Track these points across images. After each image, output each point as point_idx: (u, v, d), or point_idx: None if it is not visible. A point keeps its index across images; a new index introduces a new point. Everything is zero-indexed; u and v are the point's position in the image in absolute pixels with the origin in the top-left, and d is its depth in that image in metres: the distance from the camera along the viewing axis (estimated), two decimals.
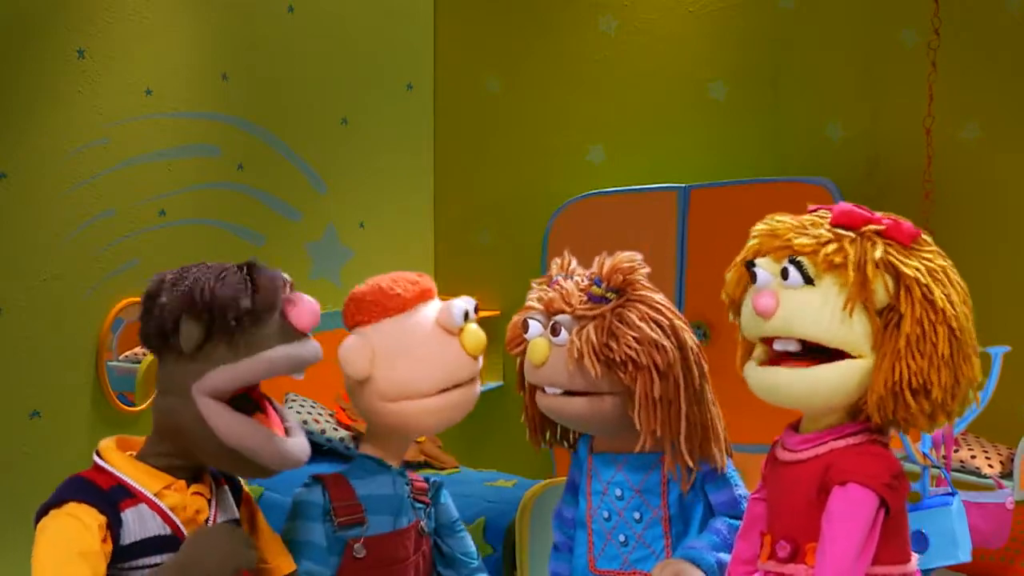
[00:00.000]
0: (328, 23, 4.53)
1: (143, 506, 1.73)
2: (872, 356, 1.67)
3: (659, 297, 2.04)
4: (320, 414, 4.02)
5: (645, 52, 4.69)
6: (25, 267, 3.38)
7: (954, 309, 1.66)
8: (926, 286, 1.65)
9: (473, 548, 2.22)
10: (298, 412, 3.96)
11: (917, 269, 1.66)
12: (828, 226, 1.72)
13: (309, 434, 3.90)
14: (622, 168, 4.70)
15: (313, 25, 4.45)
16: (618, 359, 1.94)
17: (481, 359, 2.07)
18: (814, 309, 1.68)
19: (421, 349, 1.97)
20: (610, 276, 2.01)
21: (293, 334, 1.77)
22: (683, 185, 4.24)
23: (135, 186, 3.70)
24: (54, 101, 3.43)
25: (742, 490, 2.07)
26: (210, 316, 1.71)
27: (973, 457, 3.55)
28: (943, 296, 1.65)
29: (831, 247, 1.68)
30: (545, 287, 2.10)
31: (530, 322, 2.05)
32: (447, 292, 2.16)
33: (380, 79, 4.82)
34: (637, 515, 2.04)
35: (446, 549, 2.18)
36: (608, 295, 2.00)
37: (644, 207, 4.27)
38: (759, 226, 1.79)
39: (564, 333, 1.99)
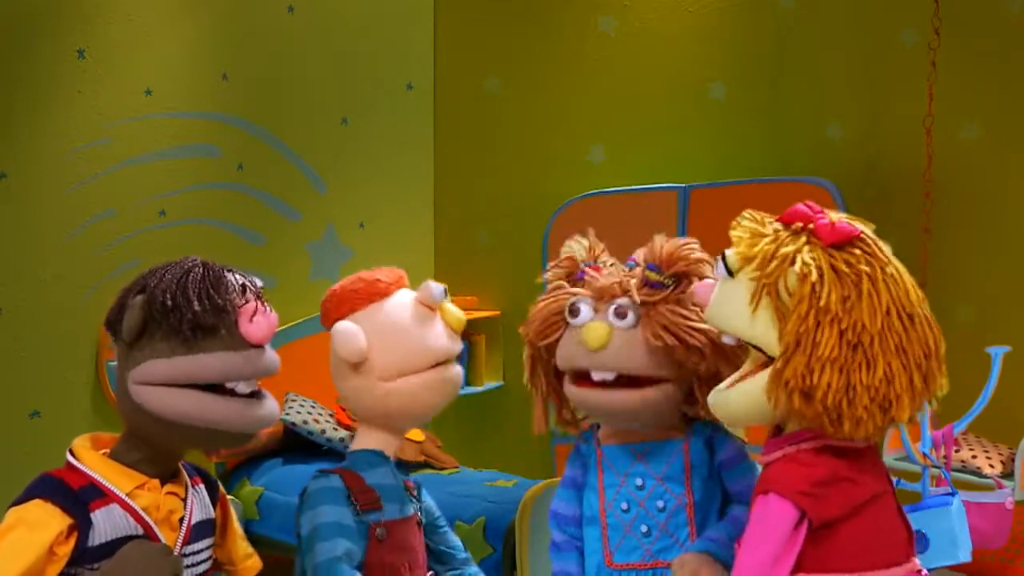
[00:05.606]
0: (328, 23, 4.53)
1: (114, 506, 1.70)
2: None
3: None
4: (320, 414, 4.02)
5: (645, 52, 4.69)
6: (25, 267, 3.38)
7: (850, 313, 1.58)
8: (815, 282, 1.60)
9: (458, 541, 2.23)
10: (298, 412, 3.96)
11: (814, 267, 1.61)
12: (776, 224, 1.71)
13: (309, 434, 3.91)
14: (622, 168, 4.70)
15: (313, 25, 4.45)
16: (699, 342, 1.93)
17: (460, 342, 2.08)
18: (730, 302, 1.69)
19: (411, 325, 2.01)
20: (670, 263, 2.02)
21: (242, 343, 1.74)
22: (683, 185, 4.23)
23: (135, 186, 3.70)
24: (54, 101, 3.44)
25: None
26: (150, 309, 1.70)
27: (974, 457, 3.55)
28: (839, 297, 1.58)
29: (750, 240, 1.68)
30: (592, 272, 2.07)
31: (581, 306, 2.01)
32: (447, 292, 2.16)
33: (380, 79, 4.82)
34: (661, 503, 2.01)
35: (432, 545, 2.20)
36: (666, 281, 2.00)
37: (644, 207, 4.26)
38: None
39: (631, 315, 1.97)
